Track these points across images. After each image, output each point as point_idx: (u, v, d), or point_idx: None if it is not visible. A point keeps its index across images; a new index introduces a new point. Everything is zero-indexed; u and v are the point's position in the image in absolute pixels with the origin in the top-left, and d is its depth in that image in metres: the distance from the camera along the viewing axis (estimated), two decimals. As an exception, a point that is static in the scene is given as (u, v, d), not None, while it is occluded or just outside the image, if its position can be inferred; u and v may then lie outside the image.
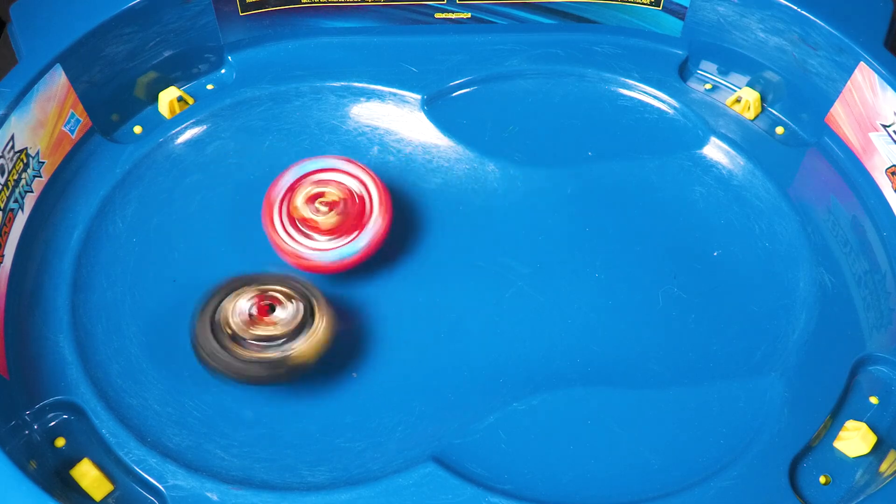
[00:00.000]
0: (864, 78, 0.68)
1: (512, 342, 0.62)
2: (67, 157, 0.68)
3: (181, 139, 0.71)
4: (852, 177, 0.70)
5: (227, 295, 0.59)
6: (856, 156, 0.70)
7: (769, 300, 0.64)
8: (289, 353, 0.57)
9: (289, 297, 0.59)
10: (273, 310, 0.58)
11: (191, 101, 0.74)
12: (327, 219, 0.62)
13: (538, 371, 0.60)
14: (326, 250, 0.62)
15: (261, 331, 0.57)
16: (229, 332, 0.57)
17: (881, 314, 0.63)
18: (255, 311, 0.58)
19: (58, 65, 0.66)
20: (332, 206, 0.63)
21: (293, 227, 0.63)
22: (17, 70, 0.64)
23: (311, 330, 0.58)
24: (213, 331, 0.57)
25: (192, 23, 0.73)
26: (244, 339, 0.57)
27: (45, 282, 0.62)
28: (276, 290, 0.59)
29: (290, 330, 0.57)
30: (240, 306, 0.58)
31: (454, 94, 0.74)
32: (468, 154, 0.71)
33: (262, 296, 0.58)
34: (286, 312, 0.58)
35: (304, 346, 0.57)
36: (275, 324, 0.57)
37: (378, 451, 0.57)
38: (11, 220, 0.63)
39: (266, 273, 0.61)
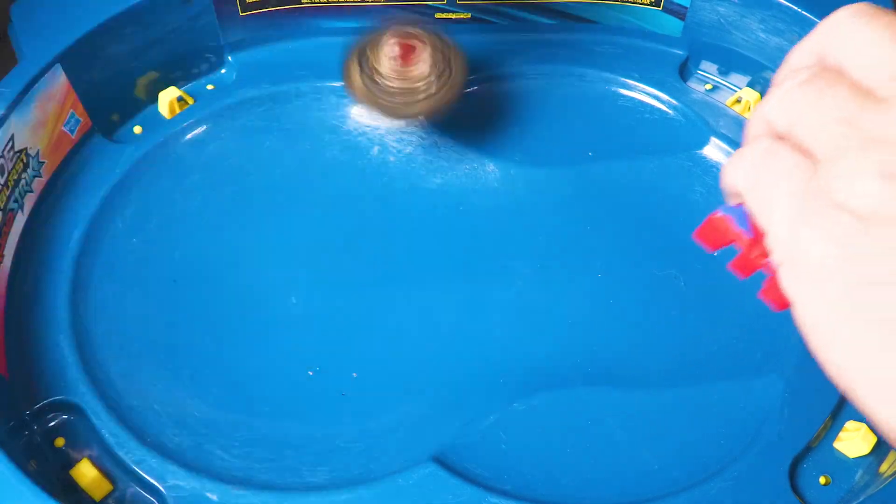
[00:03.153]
0: (865, 78, 0.67)
1: (512, 342, 0.62)
2: (67, 157, 0.68)
3: (181, 139, 0.71)
4: (852, 177, 0.70)
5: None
6: (856, 156, 0.70)
7: (769, 300, 0.64)
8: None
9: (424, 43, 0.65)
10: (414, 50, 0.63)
11: (191, 101, 0.74)
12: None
13: (538, 371, 0.60)
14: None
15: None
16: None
17: (881, 314, 0.63)
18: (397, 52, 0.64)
19: (58, 65, 0.66)
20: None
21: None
22: (17, 70, 0.64)
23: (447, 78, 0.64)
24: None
25: (193, 23, 0.73)
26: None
27: (45, 282, 0.62)
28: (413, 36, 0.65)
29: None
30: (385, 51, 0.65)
31: (454, 94, 0.74)
32: (468, 154, 0.71)
33: (402, 42, 0.64)
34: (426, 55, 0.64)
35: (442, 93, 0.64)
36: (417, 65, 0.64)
37: (378, 451, 0.57)
38: (11, 220, 0.63)
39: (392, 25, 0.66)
